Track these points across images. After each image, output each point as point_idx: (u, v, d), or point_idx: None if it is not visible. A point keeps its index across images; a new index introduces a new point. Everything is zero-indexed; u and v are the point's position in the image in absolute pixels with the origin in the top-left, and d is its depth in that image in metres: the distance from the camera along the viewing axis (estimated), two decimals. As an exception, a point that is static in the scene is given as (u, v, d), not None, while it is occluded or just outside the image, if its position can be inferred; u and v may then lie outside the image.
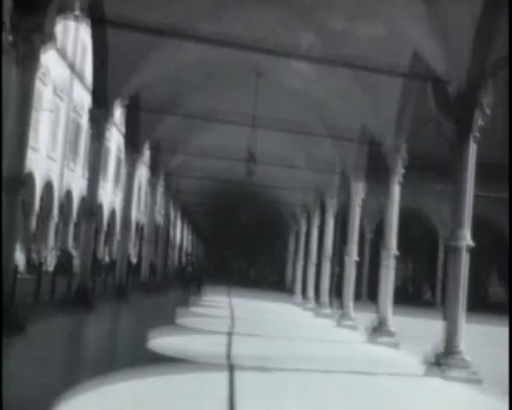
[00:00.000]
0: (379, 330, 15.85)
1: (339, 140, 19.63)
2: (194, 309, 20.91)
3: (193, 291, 27.60)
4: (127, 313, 17.74)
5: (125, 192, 21.43)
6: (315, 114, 19.89)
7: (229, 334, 14.03)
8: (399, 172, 16.13)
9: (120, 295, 19.41)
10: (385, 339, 15.51)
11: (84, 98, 37.86)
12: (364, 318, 22.20)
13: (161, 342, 11.18)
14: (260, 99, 19.36)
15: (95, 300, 15.77)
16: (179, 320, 15.92)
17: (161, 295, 26.18)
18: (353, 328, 19.73)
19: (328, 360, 12.02)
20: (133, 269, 30.67)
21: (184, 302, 22.97)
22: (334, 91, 17.51)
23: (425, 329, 24.42)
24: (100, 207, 48.40)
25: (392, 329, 15.84)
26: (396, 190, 16.22)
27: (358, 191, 20.62)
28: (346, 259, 20.53)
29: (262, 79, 19.00)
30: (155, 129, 20.61)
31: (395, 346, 15.21)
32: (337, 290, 25.31)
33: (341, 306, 21.06)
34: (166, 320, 15.86)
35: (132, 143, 20.39)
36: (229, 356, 10.22)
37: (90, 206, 15.01)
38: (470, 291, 33.72)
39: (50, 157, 40.04)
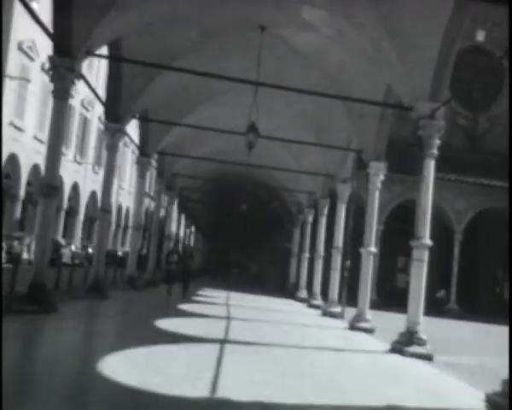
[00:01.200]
0: (407, 337, 12.82)
1: (356, 109, 16.67)
2: (184, 307, 17.92)
3: (176, 289, 23.32)
4: (96, 314, 14.55)
5: (105, 169, 18.38)
6: (329, 79, 16.72)
7: (222, 342, 11.03)
8: (435, 143, 13.09)
9: (96, 291, 16.38)
10: (415, 349, 12.46)
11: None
12: (380, 319, 19.29)
13: (125, 360, 8.16)
14: (264, 62, 16.32)
15: (57, 297, 12.77)
16: (160, 323, 12.83)
17: (149, 291, 23.11)
18: (370, 332, 16.77)
19: (350, 380, 9.04)
20: (120, 261, 27.85)
21: (170, 300, 19.79)
22: (356, 50, 14.41)
23: (451, 333, 21.48)
24: (77, 189, 45.04)
25: (424, 336, 12.81)
26: (430, 166, 13.16)
27: (378, 172, 17.63)
28: (363, 250, 17.54)
29: (266, 36, 15.92)
30: (142, 93, 17.30)
31: (428, 358, 12.19)
32: (348, 287, 22.35)
33: (354, 304, 18.08)
34: (145, 324, 12.84)
35: (114, 109, 17.12)
36: (215, 384, 7.12)
37: (50, 178, 11.92)
38: (486, 290, 30.64)
39: (38, 138, 37.63)
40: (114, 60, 15.85)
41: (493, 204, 35.43)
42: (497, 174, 34.73)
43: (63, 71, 11.82)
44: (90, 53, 12.53)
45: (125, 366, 7.56)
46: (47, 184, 11.92)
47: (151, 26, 15.17)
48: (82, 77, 12.67)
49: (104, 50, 16.74)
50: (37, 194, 37.08)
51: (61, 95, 12.11)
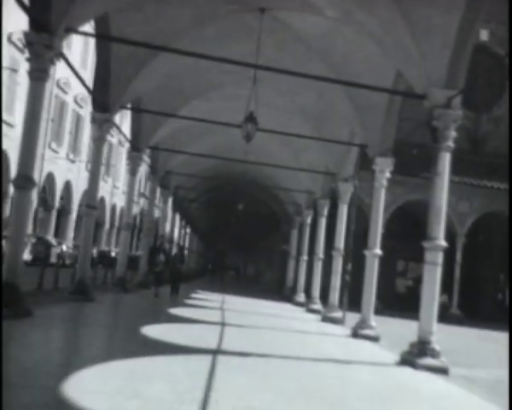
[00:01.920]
0: (419, 347, 11.62)
1: (361, 101, 15.52)
2: (176, 311, 16.72)
3: (164, 291, 22.12)
4: (74, 319, 13.08)
5: (92, 162, 17.13)
6: (333, 65, 15.46)
7: (214, 353, 9.78)
8: (451, 135, 11.93)
9: (81, 294, 15.14)
10: (429, 361, 11.25)
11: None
12: (383, 325, 18.03)
13: (99, 378, 6.91)
14: (264, 47, 15.13)
15: (36, 299, 11.53)
16: (147, 330, 11.60)
17: (140, 293, 21.86)
18: (375, 339, 15.57)
19: (360, 400, 7.84)
20: (112, 261, 26.77)
21: (158, 303, 18.57)
22: (365, 33, 13.18)
23: (458, 341, 20.22)
24: (69, 188, 43.69)
25: (437, 347, 11.61)
26: (445, 160, 12.00)
27: (384, 169, 16.42)
28: (367, 253, 16.37)
29: (266, 19, 14.74)
30: (133, 81, 15.94)
31: (443, 371, 10.99)
32: (349, 291, 21.15)
33: (355, 309, 16.93)
34: (130, 331, 11.62)
35: (101, 98, 15.84)
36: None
37: (25, 168, 10.70)
38: (488, 295, 29.38)
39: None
40: (99, 38, 14.58)
41: (497, 207, 34.17)
42: (501, 177, 33.57)
43: (40, 48, 10.56)
44: (71, 29, 11.31)
45: (97, 387, 6.34)
46: (21, 174, 10.67)
47: (141, 6, 14.04)
48: (62, 56, 11.41)
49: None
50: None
51: (38, 75, 10.87)
